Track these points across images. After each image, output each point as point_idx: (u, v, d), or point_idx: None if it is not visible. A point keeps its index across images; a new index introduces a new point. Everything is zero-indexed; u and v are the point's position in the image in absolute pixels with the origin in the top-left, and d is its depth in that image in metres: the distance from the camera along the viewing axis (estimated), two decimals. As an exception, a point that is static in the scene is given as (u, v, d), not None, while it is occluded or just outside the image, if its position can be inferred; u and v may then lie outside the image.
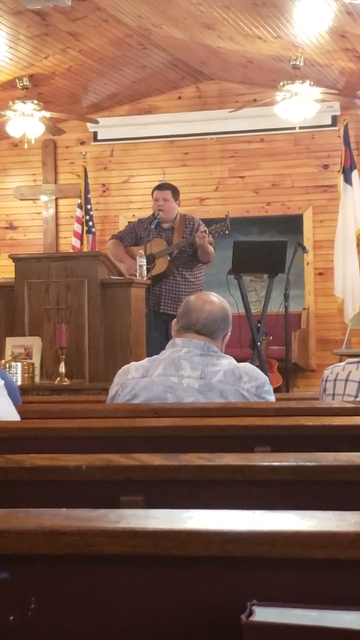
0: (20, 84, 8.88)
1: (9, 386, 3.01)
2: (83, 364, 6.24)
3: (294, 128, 9.14)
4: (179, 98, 10.19)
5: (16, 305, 6.41)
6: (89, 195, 10.07)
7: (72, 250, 9.83)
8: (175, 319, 3.45)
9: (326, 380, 3.41)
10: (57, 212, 10.49)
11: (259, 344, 7.35)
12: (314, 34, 7.85)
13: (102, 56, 8.67)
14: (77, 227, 10.02)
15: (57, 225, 10.49)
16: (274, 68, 8.95)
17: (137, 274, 6.84)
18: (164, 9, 7.62)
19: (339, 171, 9.63)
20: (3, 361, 5.97)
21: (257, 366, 4.11)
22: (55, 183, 10.46)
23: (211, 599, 1.18)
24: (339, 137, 9.62)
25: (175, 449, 2.14)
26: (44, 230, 10.48)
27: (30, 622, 1.21)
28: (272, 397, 3.30)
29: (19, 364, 5.91)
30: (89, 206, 10.04)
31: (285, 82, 8.71)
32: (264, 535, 1.18)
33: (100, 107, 10.16)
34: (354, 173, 9.47)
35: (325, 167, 9.86)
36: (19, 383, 5.60)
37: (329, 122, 9.74)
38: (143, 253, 6.99)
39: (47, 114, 9.04)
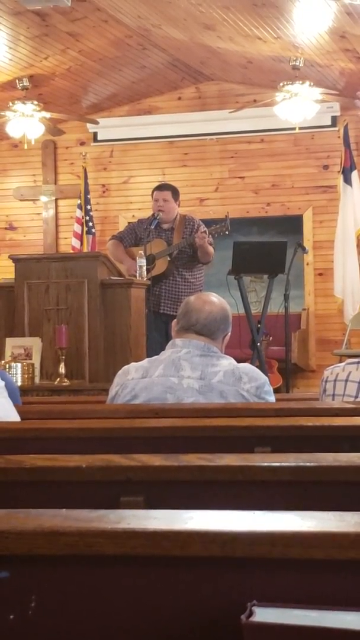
0: (20, 85, 8.88)
1: (9, 387, 3.01)
2: (83, 364, 6.24)
3: (293, 129, 9.14)
4: (179, 98, 10.19)
5: (16, 305, 6.41)
6: (88, 196, 10.07)
7: (72, 251, 9.83)
8: (175, 320, 3.45)
9: (326, 381, 3.41)
10: (57, 212, 10.50)
11: (258, 344, 7.35)
12: (314, 34, 7.86)
13: (102, 57, 8.67)
14: (77, 228, 10.02)
15: (57, 225, 10.49)
16: (274, 68, 8.95)
17: (137, 274, 6.84)
18: (163, 9, 7.63)
19: (338, 172, 9.63)
20: (3, 362, 5.97)
21: (257, 367, 4.11)
22: (55, 184, 10.46)
23: (211, 599, 1.18)
24: (339, 137, 9.62)
25: (175, 449, 2.14)
26: (44, 230, 10.48)
27: (30, 623, 1.21)
28: (272, 398, 3.30)
29: (19, 365, 5.91)
30: (88, 207, 10.04)
31: (285, 83, 8.72)
32: (264, 536, 1.18)
33: (100, 107, 10.16)
34: (354, 173, 9.47)
35: (325, 167, 9.87)
36: (19, 384, 5.60)
37: (329, 123, 9.74)
38: (143, 254, 6.99)
39: (47, 115, 9.04)
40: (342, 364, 3.43)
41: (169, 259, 7.37)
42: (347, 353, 8.25)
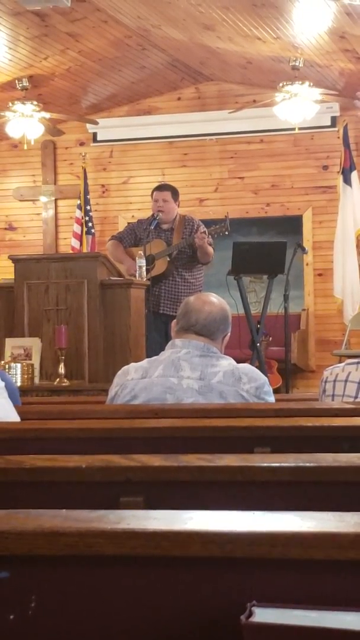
0: (20, 85, 8.88)
1: (9, 387, 3.01)
2: (82, 364, 6.24)
3: (293, 129, 9.14)
4: (179, 99, 10.20)
5: (16, 306, 6.41)
6: (88, 196, 10.07)
7: (71, 251, 9.83)
8: (174, 320, 3.45)
9: (326, 381, 3.42)
10: (56, 213, 10.50)
11: (258, 344, 7.35)
12: (314, 34, 7.86)
13: (102, 57, 8.67)
14: (77, 228, 10.01)
15: (56, 226, 10.49)
16: (274, 69, 8.95)
17: (137, 274, 6.84)
18: (163, 9, 7.63)
19: (338, 172, 9.63)
20: (2, 362, 5.97)
21: (256, 367, 4.11)
22: (55, 184, 10.46)
23: (211, 599, 1.18)
24: (339, 138, 9.62)
25: (175, 449, 2.14)
26: (44, 231, 10.48)
27: (30, 623, 1.21)
28: (271, 398, 3.30)
29: (19, 365, 5.91)
30: (88, 207, 10.04)
31: (285, 83, 8.72)
32: (263, 536, 1.18)
33: (100, 108, 10.16)
34: (354, 174, 9.47)
35: (325, 168, 9.87)
36: (19, 384, 5.60)
37: (329, 123, 9.74)
38: (142, 254, 7.00)
39: (47, 115, 9.04)
40: (342, 364, 3.43)
41: (168, 259, 7.37)
42: (346, 353, 8.24)
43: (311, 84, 8.72)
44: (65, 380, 5.92)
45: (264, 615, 1.09)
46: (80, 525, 1.22)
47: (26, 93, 8.91)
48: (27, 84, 8.89)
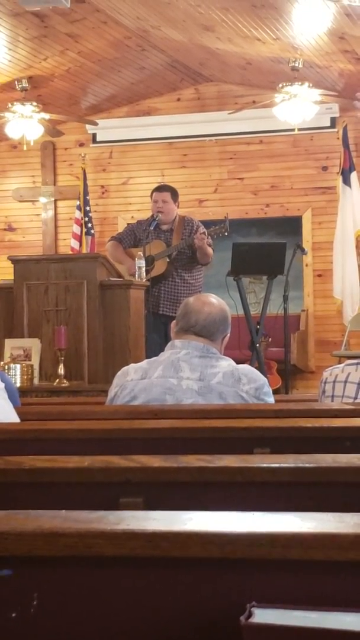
0: (19, 86, 8.88)
1: (8, 388, 3.01)
2: (82, 365, 6.24)
3: (292, 130, 9.14)
4: (178, 100, 10.20)
5: (15, 306, 6.41)
6: (87, 197, 10.07)
7: (71, 252, 9.84)
8: (174, 321, 3.45)
9: (325, 382, 3.42)
10: (56, 213, 10.50)
11: (258, 345, 7.35)
12: (313, 35, 7.86)
13: (101, 58, 8.67)
14: (76, 229, 10.02)
15: (56, 227, 10.49)
16: (273, 70, 8.95)
17: (136, 275, 6.84)
18: (162, 10, 7.63)
19: (338, 173, 9.63)
20: (2, 363, 5.97)
21: (256, 368, 4.12)
22: (54, 185, 10.46)
23: (210, 600, 1.18)
24: (338, 138, 9.62)
25: (175, 450, 2.14)
26: (43, 232, 10.48)
27: (30, 624, 1.21)
28: (271, 399, 3.30)
29: (18, 366, 5.90)
30: (87, 208, 10.04)
31: (284, 84, 8.72)
32: (263, 537, 1.18)
33: (99, 108, 10.16)
34: (353, 175, 9.47)
35: (324, 168, 9.87)
36: (18, 385, 5.60)
37: (328, 124, 9.74)
38: (142, 255, 7.00)
39: (46, 116, 9.05)
40: (341, 365, 3.43)
41: (168, 260, 7.37)
42: (346, 354, 8.24)
43: (311, 84, 8.73)
44: (65, 381, 5.92)
45: (263, 616, 1.09)
46: (79, 526, 1.22)
47: (26, 94, 8.91)
48: (27, 85, 8.89)
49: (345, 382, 3.33)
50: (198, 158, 10.12)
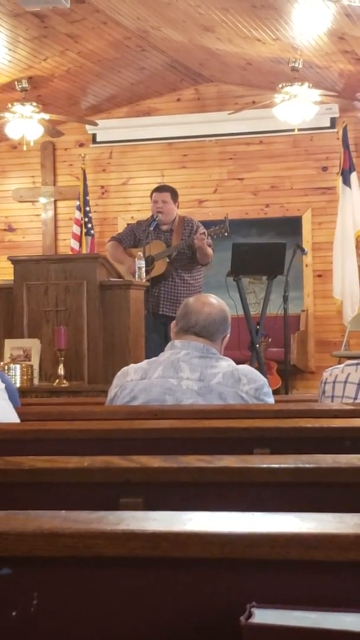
0: (19, 86, 8.88)
1: (9, 388, 3.01)
2: (82, 365, 6.24)
3: (292, 130, 9.14)
4: (178, 100, 10.20)
5: (15, 307, 6.41)
6: (87, 197, 10.07)
7: (70, 252, 9.84)
8: (174, 321, 3.45)
9: (325, 382, 3.42)
10: (55, 214, 10.50)
11: (257, 345, 7.35)
12: (313, 36, 7.86)
13: (101, 58, 8.67)
14: (76, 229, 10.02)
15: (55, 227, 10.49)
16: (273, 70, 8.95)
17: (136, 275, 6.84)
18: (162, 11, 7.63)
19: (337, 173, 9.63)
20: (2, 363, 5.97)
21: (256, 368, 4.12)
22: (54, 185, 10.46)
23: (210, 600, 1.18)
24: (338, 139, 9.62)
25: (175, 450, 2.14)
26: (43, 232, 10.48)
27: (30, 624, 1.21)
28: (271, 399, 3.30)
29: (18, 366, 5.90)
30: (87, 208, 10.04)
31: (284, 84, 8.72)
32: (263, 537, 1.18)
33: (99, 109, 10.16)
34: (353, 175, 9.47)
35: (324, 169, 9.87)
36: (18, 385, 5.60)
37: (328, 124, 9.74)
38: (142, 255, 7.00)
39: (46, 116, 9.05)
40: (341, 365, 3.43)
41: (168, 260, 7.37)
42: (346, 354, 8.24)
43: (310, 85, 8.73)
44: (65, 382, 5.92)
45: (263, 616, 1.09)
46: (79, 527, 1.22)
47: (25, 94, 8.91)
48: (27, 85, 8.89)
49: (345, 382, 3.33)
50: (198, 158, 10.12)
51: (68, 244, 10.12)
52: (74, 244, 9.98)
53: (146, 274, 6.95)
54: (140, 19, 7.84)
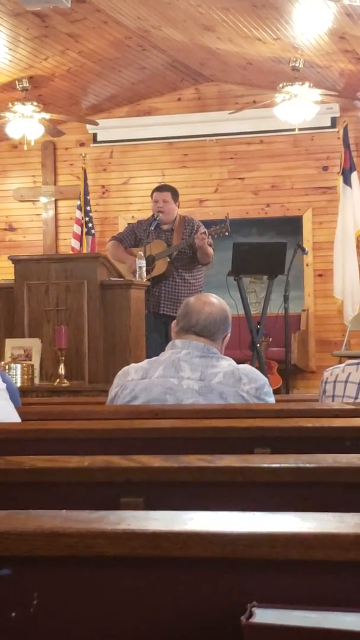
0: (20, 86, 8.88)
1: (10, 388, 3.01)
2: (82, 365, 6.24)
3: (293, 130, 9.14)
4: (179, 100, 10.20)
5: (16, 306, 6.41)
6: (88, 197, 10.07)
7: (71, 252, 9.83)
8: (174, 321, 3.45)
9: (326, 382, 3.42)
10: (56, 213, 10.50)
11: (258, 345, 7.35)
12: (314, 35, 7.86)
13: (102, 58, 8.67)
14: (77, 229, 10.02)
15: (56, 226, 10.49)
16: (274, 70, 8.95)
17: (137, 275, 6.84)
18: (163, 10, 7.63)
19: (338, 173, 9.63)
20: (3, 363, 5.97)
21: (256, 368, 4.12)
22: (55, 185, 10.46)
23: (211, 600, 1.18)
24: (339, 138, 9.62)
25: (175, 450, 2.14)
26: (44, 231, 10.48)
27: (31, 623, 1.21)
28: (271, 399, 3.31)
29: (19, 366, 5.90)
30: (88, 208, 10.04)
31: (285, 84, 8.72)
32: (264, 537, 1.18)
33: (100, 108, 10.16)
34: (354, 175, 9.47)
35: (325, 168, 9.87)
36: (19, 384, 5.60)
37: (329, 124, 9.74)
38: (142, 254, 7.00)
39: (47, 116, 9.05)
40: (342, 365, 3.43)
41: (168, 259, 7.37)
42: (346, 354, 8.24)
43: (311, 84, 8.73)
44: (65, 381, 5.92)
45: (264, 616, 1.09)
46: (80, 526, 1.22)
47: (26, 94, 8.91)
48: (27, 85, 8.89)
49: (346, 382, 3.33)
50: (198, 158, 10.12)
51: (69, 244, 10.12)
52: (75, 244, 9.98)
53: (147, 274, 6.95)
54: (140, 19, 7.84)
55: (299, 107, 8.78)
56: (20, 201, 10.53)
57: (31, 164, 10.44)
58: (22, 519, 1.27)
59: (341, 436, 2.42)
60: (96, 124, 9.75)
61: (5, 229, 10.60)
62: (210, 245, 7.32)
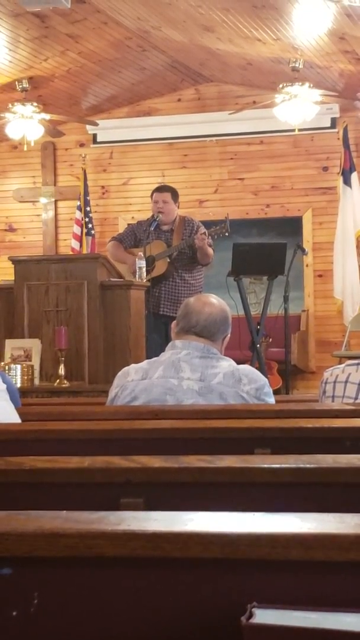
0: (20, 86, 8.88)
1: (10, 389, 3.01)
2: (82, 366, 6.25)
3: (293, 130, 9.14)
4: (179, 100, 10.20)
5: (15, 307, 6.41)
6: (88, 198, 10.07)
7: (71, 253, 9.84)
8: (174, 321, 3.45)
9: (326, 382, 3.42)
10: (56, 214, 10.50)
11: (258, 346, 7.35)
12: (313, 36, 7.86)
13: (102, 58, 8.68)
14: (77, 229, 10.02)
15: (56, 227, 10.49)
16: (273, 70, 8.96)
17: (137, 275, 6.85)
18: (163, 11, 7.63)
19: (338, 173, 9.63)
20: (2, 363, 5.97)
21: (256, 368, 4.12)
22: (55, 185, 10.46)
23: (211, 601, 1.18)
24: (339, 139, 9.62)
25: (175, 451, 2.14)
26: (44, 232, 10.48)
27: (31, 624, 1.21)
28: (271, 399, 3.31)
29: (19, 366, 5.90)
30: (88, 208, 10.04)
31: (285, 84, 8.72)
32: (264, 537, 1.18)
33: (100, 109, 10.16)
34: (354, 175, 9.47)
35: (325, 169, 9.87)
36: (19, 385, 5.60)
37: (328, 124, 9.74)
38: (142, 255, 7.00)
39: (47, 116, 9.05)
40: (342, 365, 3.43)
41: (168, 260, 7.38)
42: (346, 354, 8.24)
43: (311, 85, 8.73)
44: (65, 382, 5.92)
45: (264, 616, 1.09)
46: (80, 527, 1.22)
47: (26, 94, 8.91)
48: (27, 86, 8.89)
49: (346, 382, 3.33)
50: (198, 158, 10.12)
51: (69, 244, 10.12)
52: (75, 244, 9.99)
53: (147, 274, 6.95)
54: (140, 19, 7.85)
55: (299, 107, 8.78)
56: (20, 202, 10.53)
57: (31, 165, 10.45)
58: (22, 520, 1.27)
59: (341, 437, 2.42)
60: (96, 124, 9.75)
61: (5, 230, 10.60)
62: (210, 245, 7.32)
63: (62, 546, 1.20)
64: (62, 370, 5.90)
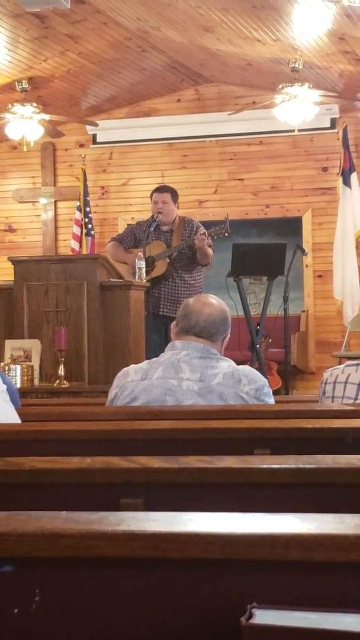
0: (20, 87, 8.89)
1: (10, 389, 3.01)
2: (82, 366, 6.24)
3: (292, 131, 9.14)
4: (178, 100, 10.20)
5: (15, 307, 6.41)
6: (88, 198, 10.07)
7: (71, 253, 9.84)
8: (174, 322, 3.45)
9: (325, 383, 3.42)
10: (56, 214, 10.50)
11: (258, 346, 7.35)
12: (313, 36, 7.86)
13: (101, 59, 8.68)
14: (76, 230, 10.02)
15: (56, 227, 10.49)
16: (273, 70, 8.96)
17: (136, 276, 6.85)
18: (162, 11, 7.63)
19: (338, 174, 9.63)
20: (2, 364, 5.97)
21: (256, 369, 4.12)
22: (55, 185, 10.47)
23: (211, 601, 1.18)
24: (338, 139, 9.62)
25: (175, 451, 2.14)
26: (43, 232, 10.48)
27: (31, 624, 1.21)
28: (271, 400, 3.31)
29: (18, 367, 5.90)
30: (88, 209, 10.04)
31: (284, 85, 8.72)
32: (263, 538, 1.18)
33: (100, 109, 10.16)
34: (353, 175, 9.47)
35: (324, 169, 9.87)
36: (18, 386, 5.60)
37: (328, 125, 9.74)
38: (142, 255, 7.00)
39: (46, 117, 9.05)
40: (342, 366, 3.43)
41: (168, 260, 7.38)
42: (346, 355, 8.22)
43: (311, 85, 8.73)
44: (65, 382, 5.92)
45: (264, 617, 1.09)
46: (80, 527, 1.22)
47: (26, 95, 8.91)
48: (27, 86, 8.89)
49: (346, 383, 3.33)
50: (198, 159, 10.13)
51: (68, 245, 10.12)
52: (74, 245, 9.99)
53: (146, 275, 6.95)
54: (140, 20, 7.85)
55: (299, 108, 8.78)
56: (20, 202, 10.53)
57: (31, 165, 10.45)
58: (22, 520, 1.27)
59: (341, 437, 2.42)
60: (96, 125, 9.75)
61: (5, 230, 10.60)
62: (209, 246, 7.32)
63: (62, 546, 1.20)
64: (61, 371, 5.91)
